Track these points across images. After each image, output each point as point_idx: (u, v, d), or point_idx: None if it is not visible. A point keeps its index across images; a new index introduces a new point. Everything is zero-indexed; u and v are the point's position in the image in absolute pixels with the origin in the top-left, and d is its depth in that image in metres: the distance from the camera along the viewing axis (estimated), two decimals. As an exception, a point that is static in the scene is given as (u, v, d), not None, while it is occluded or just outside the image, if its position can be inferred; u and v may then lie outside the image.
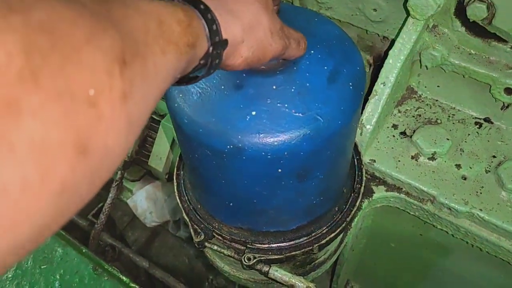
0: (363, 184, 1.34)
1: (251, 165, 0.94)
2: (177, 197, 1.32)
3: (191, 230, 1.27)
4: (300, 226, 1.22)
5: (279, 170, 0.96)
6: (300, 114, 0.90)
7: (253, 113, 0.89)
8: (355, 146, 1.42)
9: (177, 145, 1.72)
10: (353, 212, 1.30)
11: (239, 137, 0.89)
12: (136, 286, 1.44)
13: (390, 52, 1.48)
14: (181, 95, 0.95)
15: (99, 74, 0.42)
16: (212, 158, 0.96)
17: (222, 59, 0.71)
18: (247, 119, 0.89)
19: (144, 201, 2.87)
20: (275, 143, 0.89)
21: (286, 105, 0.90)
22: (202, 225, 1.27)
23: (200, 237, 1.25)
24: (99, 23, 0.44)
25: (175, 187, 1.35)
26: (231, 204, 1.13)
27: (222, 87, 0.92)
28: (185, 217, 1.30)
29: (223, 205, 1.17)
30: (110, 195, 2.02)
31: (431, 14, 1.35)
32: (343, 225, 1.26)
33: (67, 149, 0.39)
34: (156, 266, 2.45)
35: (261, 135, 0.88)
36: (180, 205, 1.32)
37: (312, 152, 0.94)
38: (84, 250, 1.44)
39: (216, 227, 1.26)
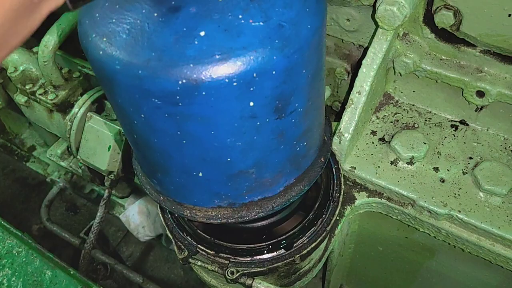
0: (341, 193, 1.37)
1: (215, 104, 0.76)
2: (160, 215, 1.35)
3: (175, 247, 1.30)
4: (288, 186, 1.05)
5: (251, 104, 0.78)
6: (261, 23, 0.74)
7: (202, 33, 0.71)
8: (333, 154, 1.45)
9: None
10: (333, 221, 1.33)
11: (191, 65, 0.70)
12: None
13: (363, 61, 1.51)
14: (105, 39, 0.76)
15: None
16: (164, 110, 0.77)
17: None
18: (196, 43, 0.71)
19: (137, 216, 2.88)
20: (239, 63, 0.71)
21: (240, 16, 0.73)
22: (185, 242, 1.29)
23: (184, 253, 1.28)
24: None
25: (158, 205, 1.38)
26: (200, 174, 0.93)
27: (155, 14, 0.74)
28: (169, 234, 1.33)
29: (192, 180, 0.96)
30: (99, 214, 2.04)
31: (399, 24, 1.39)
32: (323, 234, 1.29)
33: None
34: (150, 280, 2.47)
35: (218, 57, 0.70)
36: (163, 223, 1.34)
37: (285, 70, 0.78)
38: (72, 272, 1.45)
39: (189, 214, 1.05)
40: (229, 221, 1.03)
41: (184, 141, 0.85)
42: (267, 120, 0.85)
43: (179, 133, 0.83)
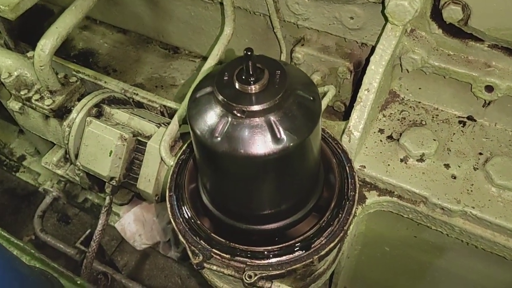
0: (357, 191, 1.34)
1: None
2: (171, 220, 1.30)
3: (189, 252, 1.25)
4: None
5: None
6: None
7: None
8: (345, 153, 1.42)
9: (165, 166, 1.70)
10: (349, 220, 1.30)
11: None
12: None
13: (372, 58, 1.50)
14: None
15: None
16: None
17: None
18: None
19: (133, 224, 2.82)
20: None
21: None
22: (199, 246, 1.25)
23: (199, 258, 1.23)
24: None
25: (169, 209, 1.33)
26: None
27: None
28: (182, 239, 1.28)
29: None
30: (100, 221, 1.98)
31: (409, 19, 1.37)
32: (341, 234, 1.26)
33: None
34: (149, 289, 2.41)
35: None
36: (175, 227, 1.30)
37: None
38: (79, 282, 1.40)
39: None
40: None
41: None
42: None
43: None
